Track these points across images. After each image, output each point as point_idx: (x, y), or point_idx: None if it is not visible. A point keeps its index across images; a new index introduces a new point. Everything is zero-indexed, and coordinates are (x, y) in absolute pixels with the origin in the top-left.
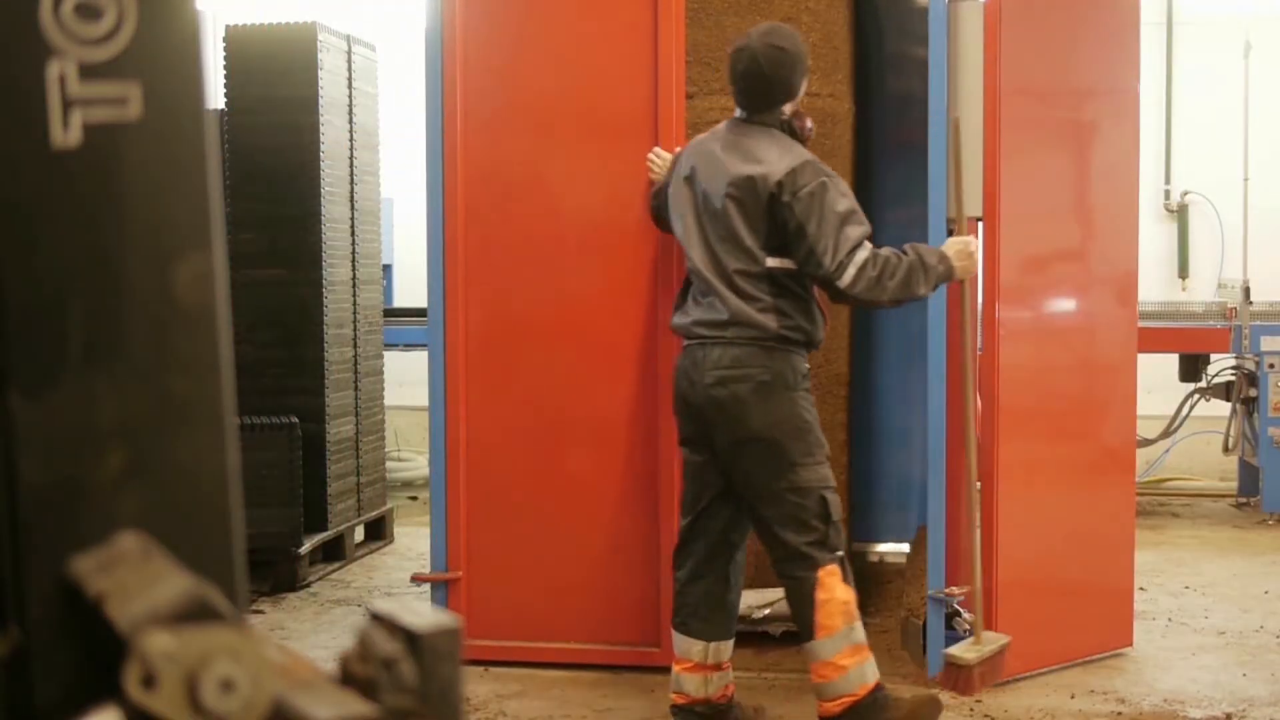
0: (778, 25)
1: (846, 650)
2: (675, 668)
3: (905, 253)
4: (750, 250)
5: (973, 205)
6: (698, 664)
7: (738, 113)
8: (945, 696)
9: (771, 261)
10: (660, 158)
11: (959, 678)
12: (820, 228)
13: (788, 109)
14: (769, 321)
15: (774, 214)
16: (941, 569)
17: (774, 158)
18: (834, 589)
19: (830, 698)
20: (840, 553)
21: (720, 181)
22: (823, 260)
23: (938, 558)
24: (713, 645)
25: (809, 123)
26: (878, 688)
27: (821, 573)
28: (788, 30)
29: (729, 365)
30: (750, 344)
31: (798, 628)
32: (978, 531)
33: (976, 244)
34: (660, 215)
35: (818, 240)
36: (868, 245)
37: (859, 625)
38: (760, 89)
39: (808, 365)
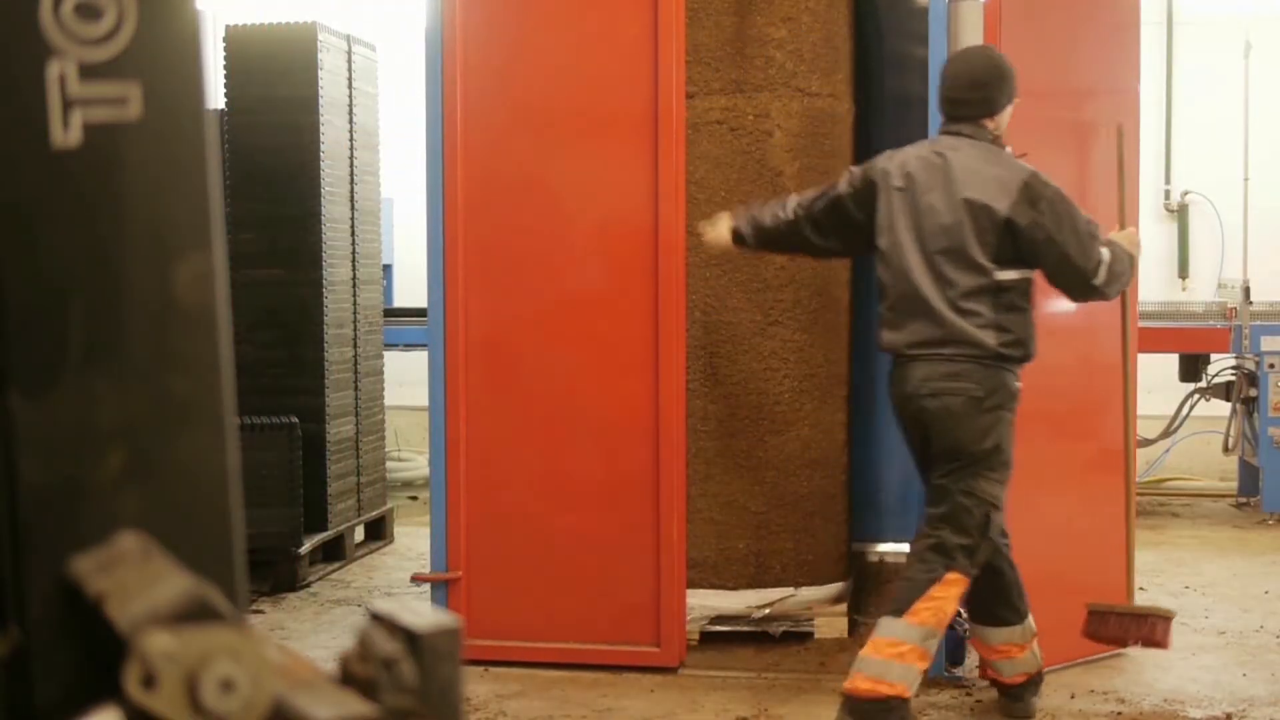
0: (989, 46)
1: (915, 650)
2: (1000, 656)
3: (1113, 247)
4: (980, 264)
5: None
6: (1020, 645)
7: (947, 125)
8: (943, 697)
9: (1002, 274)
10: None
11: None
12: (1070, 234)
13: (991, 125)
14: (988, 338)
15: (1011, 227)
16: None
17: (1003, 171)
18: (949, 595)
19: (869, 674)
20: (972, 574)
21: (950, 195)
22: (1080, 264)
23: None
24: (1019, 627)
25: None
26: (906, 701)
27: (950, 575)
28: (995, 51)
29: (942, 378)
30: (968, 360)
31: (891, 602)
32: None
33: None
34: (825, 222)
35: (1069, 245)
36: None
37: (937, 641)
38: (972, 99)
39: (1019, 384)
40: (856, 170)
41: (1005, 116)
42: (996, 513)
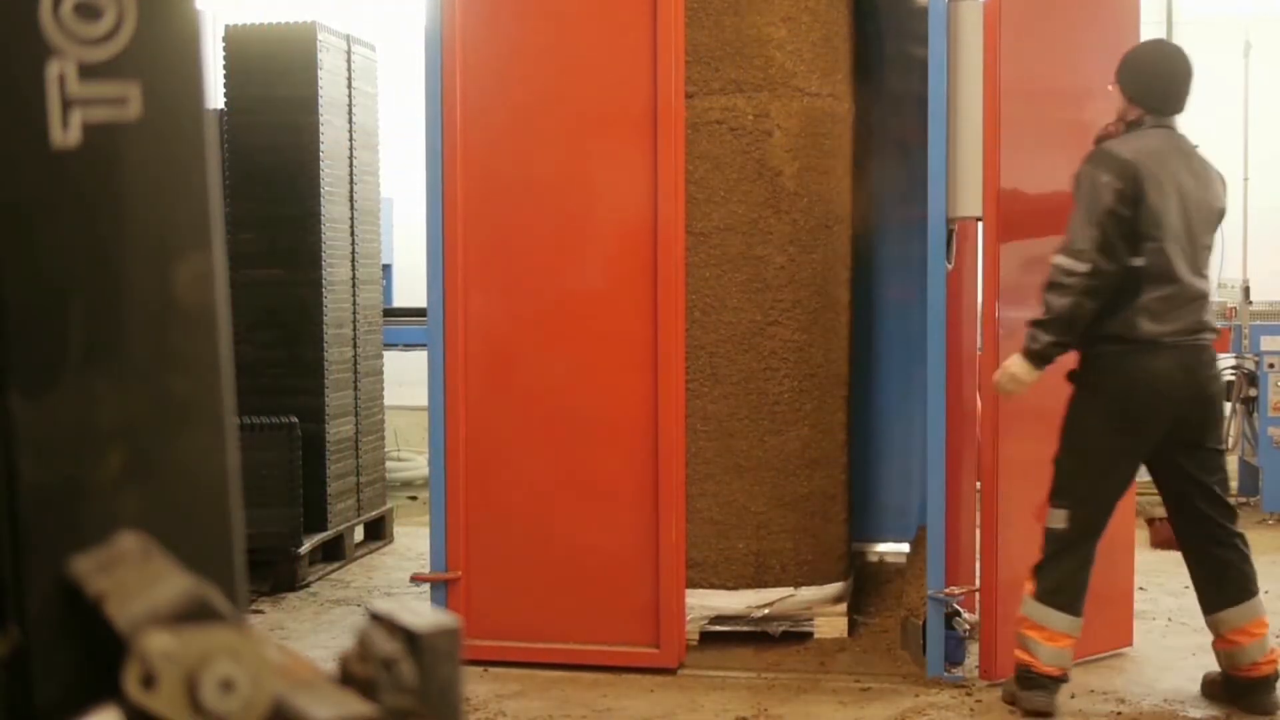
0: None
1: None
2: (1059, 645)
3: None
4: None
5: (972, 205)
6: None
7: (1164, 120)
8: (943, 697)
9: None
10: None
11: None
12: None
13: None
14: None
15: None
16: (941, 569)
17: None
18: None
19: (1259, 659)
20: None
21: (1207, 196)
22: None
23: (937, 558)
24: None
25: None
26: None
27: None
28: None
29: (1214, 363)
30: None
31: (1238, 588)
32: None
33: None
34: (1114, 246)
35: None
36: None
37: None
38: (1186, 95)
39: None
40: (1115, 180)
41: None
42: None
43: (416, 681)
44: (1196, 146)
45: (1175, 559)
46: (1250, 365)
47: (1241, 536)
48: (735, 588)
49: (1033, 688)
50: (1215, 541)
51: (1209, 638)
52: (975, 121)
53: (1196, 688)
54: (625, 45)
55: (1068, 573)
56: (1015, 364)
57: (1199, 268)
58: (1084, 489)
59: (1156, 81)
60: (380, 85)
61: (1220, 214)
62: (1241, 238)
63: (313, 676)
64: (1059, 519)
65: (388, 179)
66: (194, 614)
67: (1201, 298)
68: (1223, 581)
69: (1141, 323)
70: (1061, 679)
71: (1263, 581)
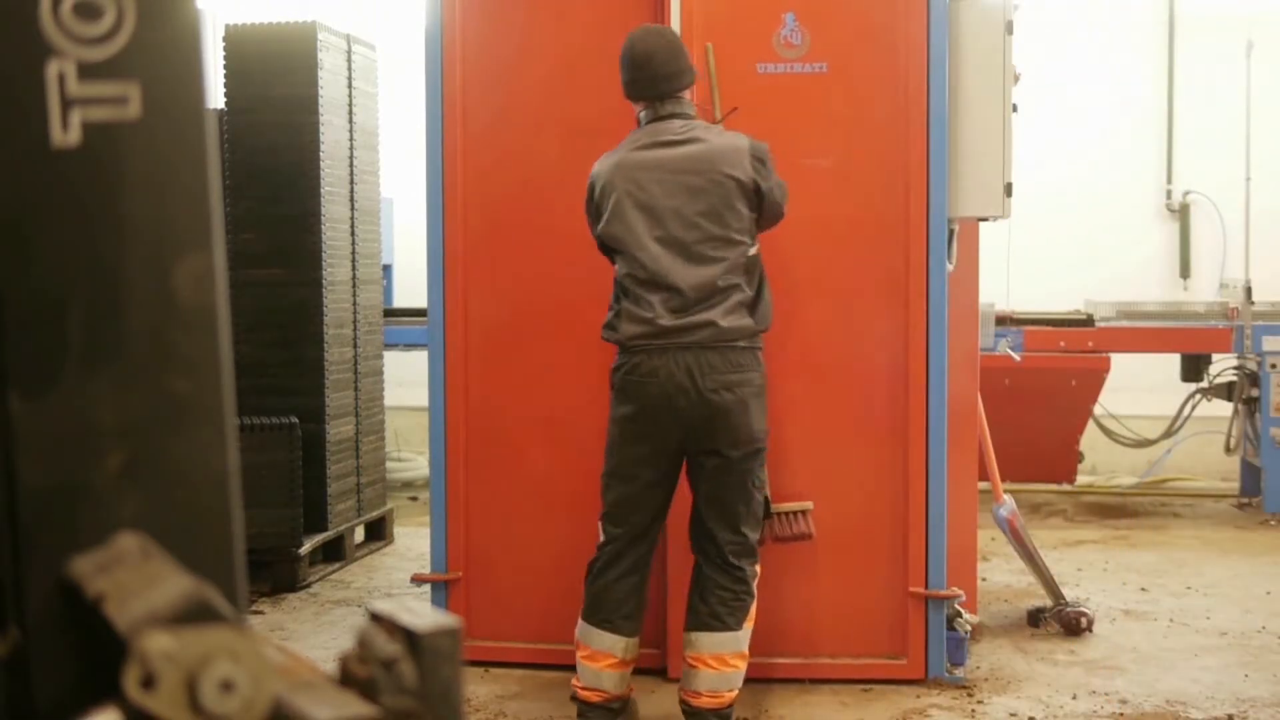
0: (652, 24)
1: (745, 652)
2: (593, 664)
3: None
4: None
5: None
6: (620, 660)
7: (660, 110)
8: (944, 698)
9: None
10: None
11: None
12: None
13: (689, 96)
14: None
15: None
16: (942, 569)
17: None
18: (755, 593)
19: (729, 688)
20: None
21: (685, 180)
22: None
23: (938, 557)
24: (633, 641)
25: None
26: (733, 703)
27: (756, 568)
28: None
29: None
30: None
31: (725, 618)
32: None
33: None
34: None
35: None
36: None
37: None
38: (683, 69)
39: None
40: (588, 196)
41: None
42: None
43: (417, 682)
44: (690, 126)
45: (1179, 560)
46: (1252, 365)
47: (736, 573)
48: None
49: (579, 715)
50: (709, 563)
51: (1211, 639)
52: (976, 121)
53: (1198, 689)
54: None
55: (596, 588)
56: None
57: (703, 257)
58: (610, 498)
59: (626, 72)
60: (380, 85)
61: (730, 181)
62: (1243, 238)
63: (313, 677)
64: (600, 531)
65: (388, 179)
66: (194, 614)
67: (704, 294)
68: (699, 602)
69: (624, 326)
70: (607, 705)
71: (1265, 582)
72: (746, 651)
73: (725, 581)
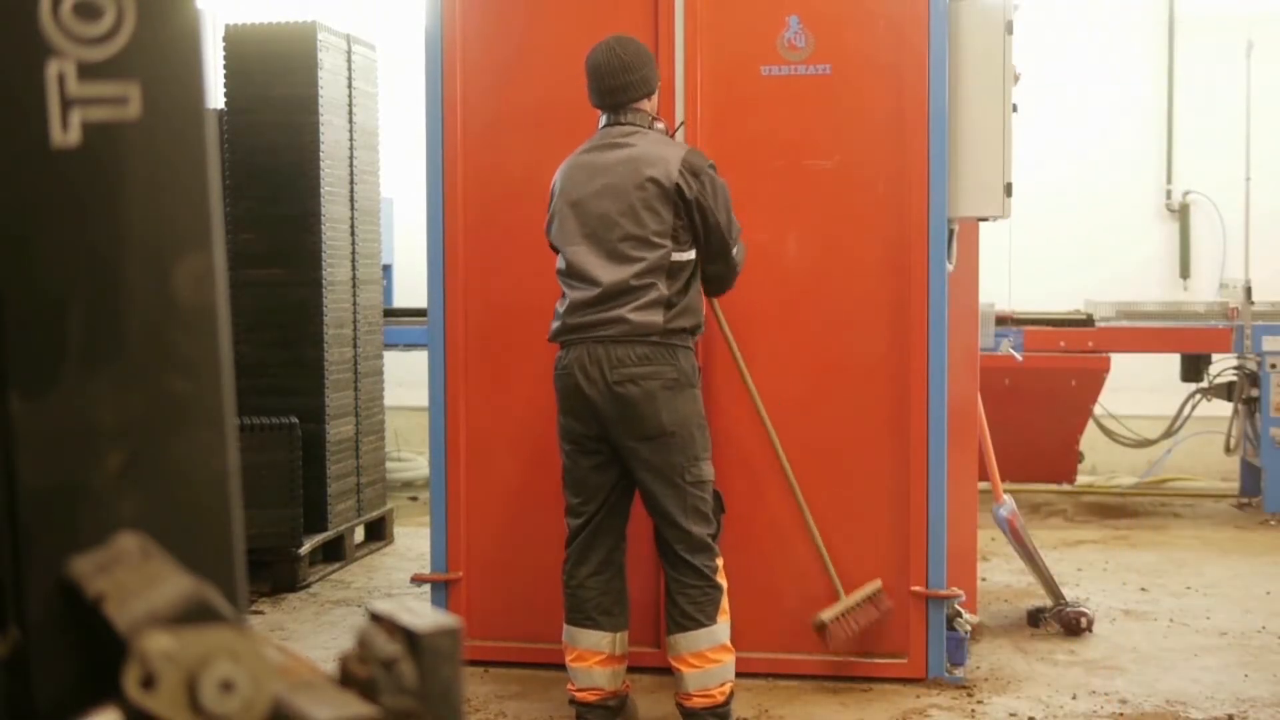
0: (618, 35)
1: (726, 644)
2: (582, 664)
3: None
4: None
5: (973, 205)
6: (609, 656)
7: (614, 117)
8: (944, 698)
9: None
10: None
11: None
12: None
13: (649, 106)
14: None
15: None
16: (943, 569)
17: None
18: (723, 584)
19: (716, 684)
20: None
21: (613, 182)
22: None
23: (938, 557)
24: (620, 636)
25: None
26: (732, 694)
27: (719, 562)
28: (628, 38)
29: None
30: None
31: (695, 615)
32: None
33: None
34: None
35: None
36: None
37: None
38: (607, 89)
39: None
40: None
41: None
42: (716, 488)
43: (417, 682)
44: (633, 132)
45: (1179, 560)
46: (1252, 365)
47: (694, 569)
48: None
49: (578, 718)
50: (668, 562)
51: (1211, 639)
52: (976, 121)
53: (1198, 689)
54: None
55: (570, 589)
56: None
57: (622, 256)
58: (565, 491)
59: (588, 81)
60: (380, 85)
61: (644, 194)
62: (1243, 238)
63: (313, 677)
64: (567, 528)
65: (388, 179)
66: (194, 614)
67: (619, 289)
68: (670, 605)
69: (554, 322)
70: (604, 704)
71: (1265, 582)
72: (727, 643)
73: (687, 579)
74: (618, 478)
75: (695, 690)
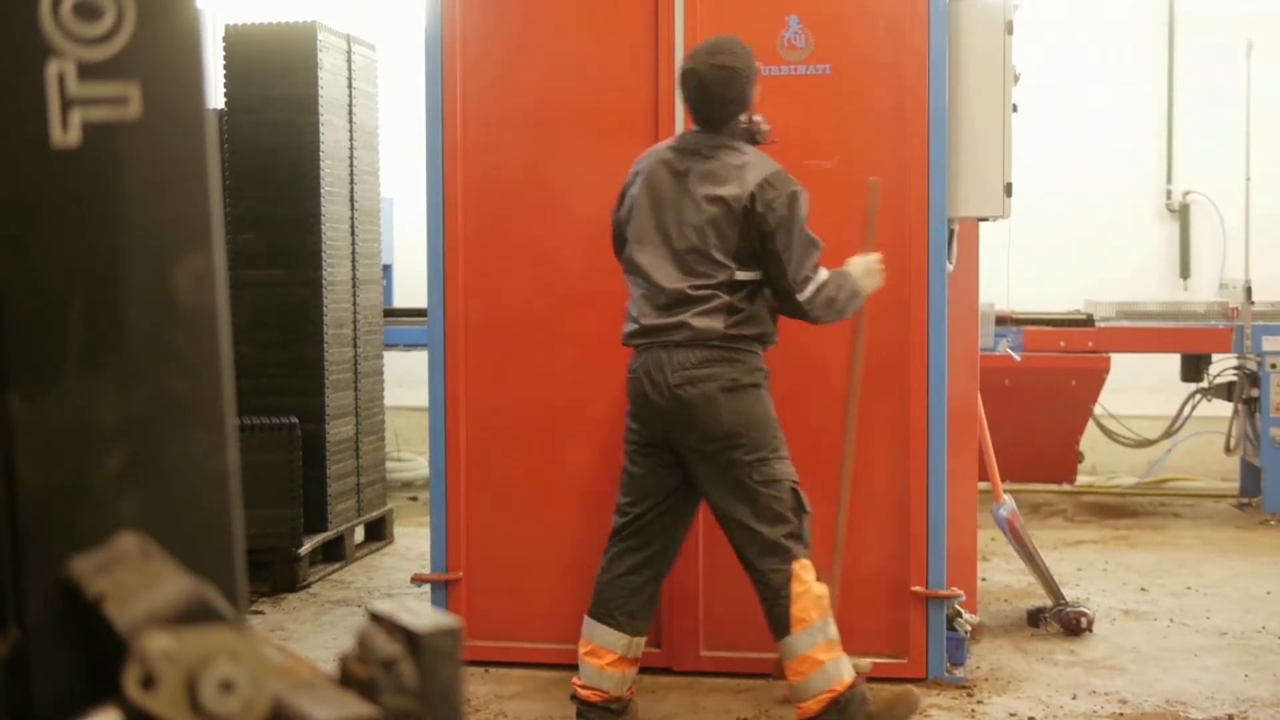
0: (720, 42)
1: (823, 644)
2: (594, 661)
3: (841, 275)
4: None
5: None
6: (620, 658)
7: (704, 126)
8: (944, 698)
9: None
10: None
11: None
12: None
13: (744, 118)
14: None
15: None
16: (943, 569)
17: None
18: (809, 582)
19: (809, 695)
20: (808, 548)
21: (689, 198)
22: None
23: (938, 557)
24: (636, 641)
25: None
26: (855, 683)
27: (796, 565)
28: (730, 44)
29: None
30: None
31: (771, 623)
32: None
33: (879, 263)
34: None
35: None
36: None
37: (833, 620)
38: (714, 108)
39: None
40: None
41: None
42: (799, 487)
43: (417, 682)
44: (721, 144)
45: (1179, 560)
46: (1252, 365)
47: (762, 578)
48: None
49: (578, 715)
50: (745, 570)
51: (1211, 639)
52: (976, 121)
53: (1198, 689)
54: (626, 44)
55: (600, 582)
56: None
57: (686, 268)
58: (620, 488)
59: (683, 88)
60: (380, 85)
61: (719, 202)
62: (1244, 238)
63: (313, 677)
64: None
65: (388, 179)
66: (194, 614)
67: (680, 298)
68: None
69: (624, 324)
70: (606, 706)
71: (1265, 582)
72: (808, 654)
73: (759, 588)
74: (676, 485)
75: (795, 700)
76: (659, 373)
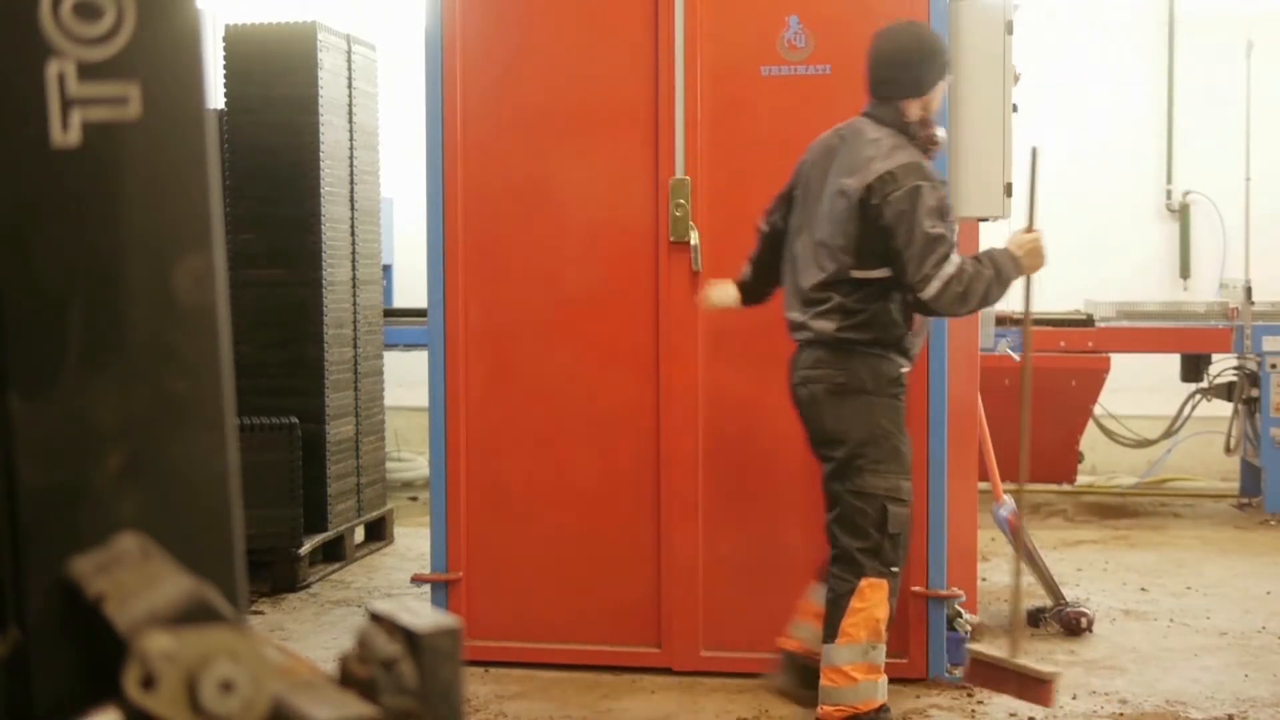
0: (915, 23)
1: (862, 665)
2: (803, 618)
3: (981, 262)
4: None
5: (969, 205)
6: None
7: (872, 107)
8: (944, 698)
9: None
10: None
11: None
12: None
13: (913, 107)
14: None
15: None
16: (943, 568)
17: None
18: (872, 602)
19: (831, 703)
20: (894, 569)
21: (829, 184)
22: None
23: (938, 557)
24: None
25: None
26: (883, 709)
27: (864, 583)
28: (922, 28)
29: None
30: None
31: (824, 623)
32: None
33: (1042, 239)
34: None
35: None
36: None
37: (882, 647)
38: (878, 77)
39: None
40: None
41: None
42: (896, 505)
43: (417, 682)
44: (866, 126)
45: (1179, 560)
46: (1252, 365)
47: (832, 579)
48: None
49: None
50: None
51: (1211, 639)
52: (976, 121)
53: (1198, 689)
54: (626, 44)
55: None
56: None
57: (818, 263)
58: None
59: (867, 63)
60: (380, 85)
61: (834, 204)
62: (1244, 238)
63: (313, 677)
64: None
65: (388, 179)
66: (194, 615)
67: (806, 297)
68: None
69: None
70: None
71: (1265, 582)
72: (845, 667)
73: (827, 586)
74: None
75: (820, 700)
76: (790, 371)
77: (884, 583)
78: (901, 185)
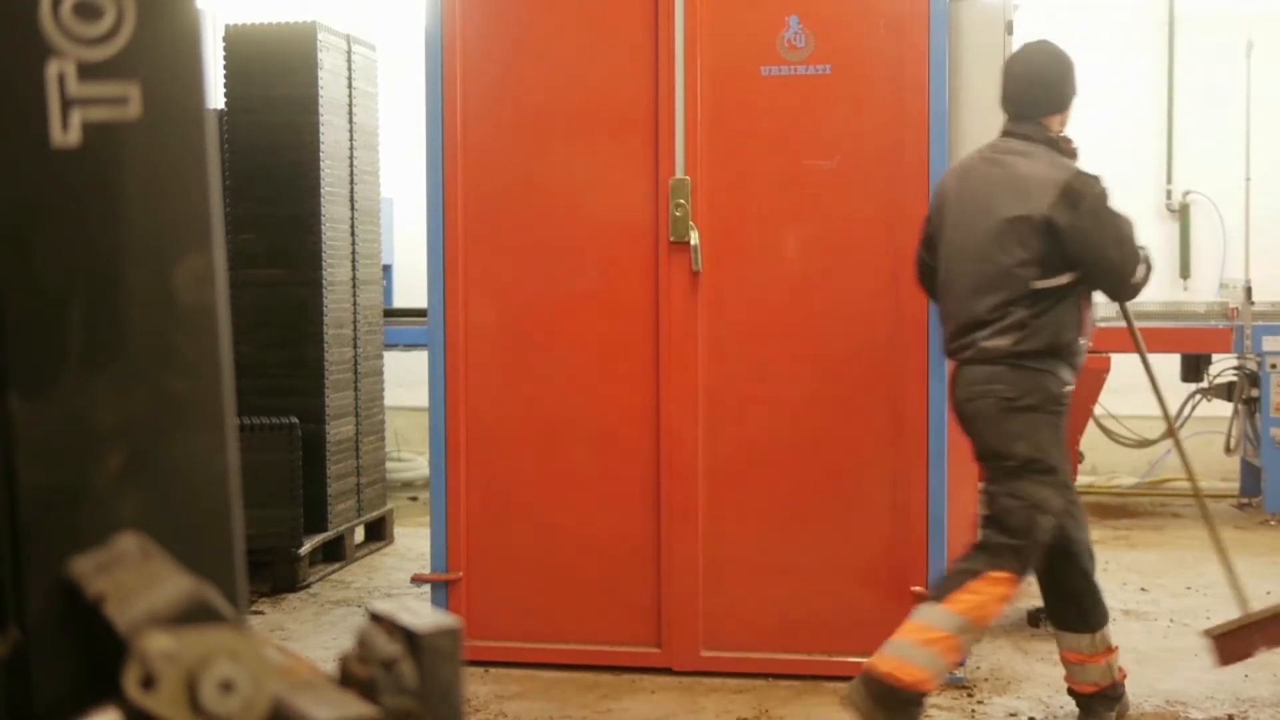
0: (1047, 41)
1: (945, 636)
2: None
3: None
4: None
5: None
6: (1086, 656)
7: (1014, 126)
8: (944, 698)
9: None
10: None
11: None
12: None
13: (1054, 122)
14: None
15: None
16: (942, 569)
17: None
18: (990, 594)
19: (892, 656)
20: (1023, 574)
21: (992, 207)
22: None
23: (938, 557)
24: (1090, 636)
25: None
26: (926, 688)
27: (994, 573)
28: (1056, 46)
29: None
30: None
31: (931, 589)
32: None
33: None
34: (922, 260)
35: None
36: None
37: (972, 638)
38: (1017, 96)
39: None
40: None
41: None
42: (1044, 517)
43: (417, 682)
44: (1022, 149)
45: (1179, 560)
46: (1252, 365)
47: (970, 551)
48: None
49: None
50: None
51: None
52: (976, 121)
53: (1198, 689)
54: (626, 45)
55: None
56: None
57: (993, 284)
58: None
59: (1002, 84)
60: (380, 85)
61: (1010, 223)
62: (1244, 238)
63: (313, 677)
64: None
65: (388, 179)
66: (194, 615)
67: (978, 320)
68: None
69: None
70: (1103, 694)
71: (1265, 582)
72: (930, 627)
73: (961, 562)
74: None
75: (886, 650)
76: (954, 386)
77: (1010, 579)
78: (1083, 196)
